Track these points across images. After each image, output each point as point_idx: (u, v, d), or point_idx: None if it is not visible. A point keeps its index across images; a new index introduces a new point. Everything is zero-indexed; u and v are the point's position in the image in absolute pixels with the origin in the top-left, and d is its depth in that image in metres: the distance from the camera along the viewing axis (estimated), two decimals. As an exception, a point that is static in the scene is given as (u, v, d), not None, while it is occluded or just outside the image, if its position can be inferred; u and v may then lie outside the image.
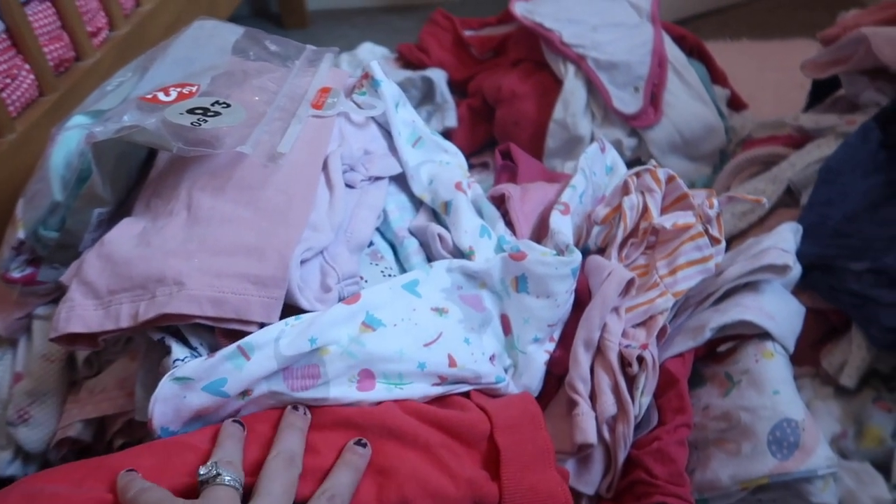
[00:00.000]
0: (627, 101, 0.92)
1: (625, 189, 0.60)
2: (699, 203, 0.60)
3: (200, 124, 0.49)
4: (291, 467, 0.40)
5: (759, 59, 1.42)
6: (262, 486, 0.39)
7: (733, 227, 0.86)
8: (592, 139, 0.95)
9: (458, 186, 0.59)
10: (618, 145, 0.94)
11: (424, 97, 1.11)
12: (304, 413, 0.44)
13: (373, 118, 0.62)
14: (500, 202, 0.62)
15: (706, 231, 0.58)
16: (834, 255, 0.73)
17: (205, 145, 0.49)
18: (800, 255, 0.72)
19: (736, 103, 1.12)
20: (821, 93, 0.94)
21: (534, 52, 1.03)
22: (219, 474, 0.38)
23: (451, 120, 1.07)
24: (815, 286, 0.73)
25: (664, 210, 0.62)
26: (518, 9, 1.04)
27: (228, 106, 0.52)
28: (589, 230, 0.63)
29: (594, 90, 0.95)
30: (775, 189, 0.84)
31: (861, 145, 0.75)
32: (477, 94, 1.09)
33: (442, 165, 0.62)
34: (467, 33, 1.23)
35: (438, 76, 1.09)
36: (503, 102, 1.01)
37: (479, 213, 0.60)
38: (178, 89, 0.52)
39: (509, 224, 0.60)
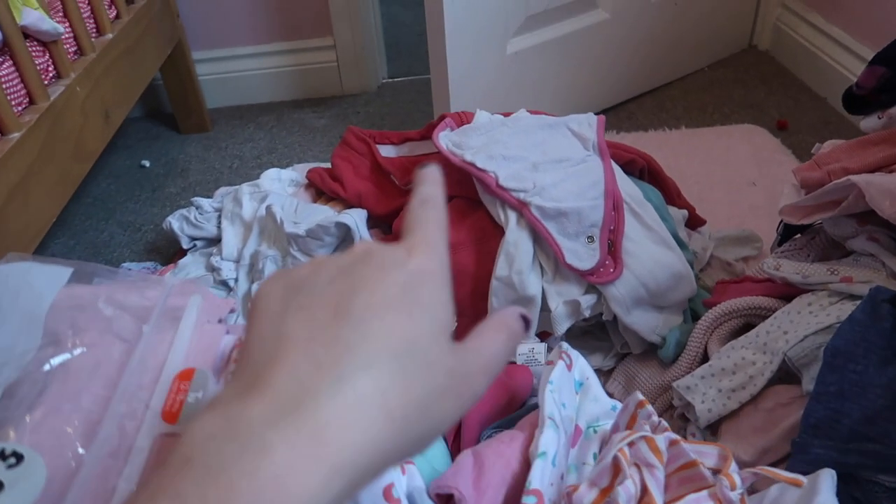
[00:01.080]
0: (582, 255, 0.78)
1: (615, 468, 0.45)
2: (716, 471, 0.45)
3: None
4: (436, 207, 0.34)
5: (703, 149, 1.32)
6: (410, 225, 0.32)
7: (722, 406, 0.72)
8: (544, 297, 0.80)
9: (388, 494, 0.42)
10: (574, 306, 0.79)
11: (342, 243, 0.95)
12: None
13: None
14: (446, 501, 0.45)
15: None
16: (856, 465, 0.60)
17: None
18: (814, 462, 0.59)
19: (694, 222, 1.00)
20: (794, 225, 0.83)
21: (465, 189, 0.88)
22: None
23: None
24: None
25: (668, 481, 0.46)
26: (443, 141, 0.89)
27: (20, 461, 0.33)
28: (568, 510, 0.47)
29: (541, 240, 0.80)
30: (767, 362, 0.70)
31: (871, 324, 0.62)
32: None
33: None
34: (387, 153, 1.07)
35: (356, 218, 0.92)
36: (435, 254, 0.85)
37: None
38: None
39: (463, 530, 0.44)
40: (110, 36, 1.15)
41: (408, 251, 0.30)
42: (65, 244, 1.24)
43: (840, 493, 0.59)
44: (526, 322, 0.33)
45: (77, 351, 0.40)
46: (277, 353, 0.26)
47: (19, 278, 0.45)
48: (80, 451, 0.35)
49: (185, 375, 0.41)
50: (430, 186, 0.35)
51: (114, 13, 1.20)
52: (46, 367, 0.39)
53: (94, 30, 1.13)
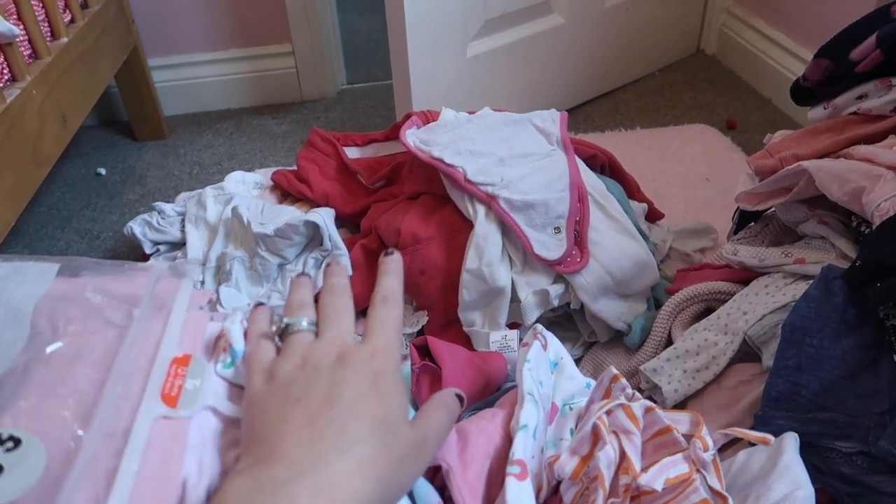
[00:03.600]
0: (549, 245, 0.80)
1: (595, 436, 0.47)
2: (688, 437, 0.47)
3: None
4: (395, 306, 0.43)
5: (658, 148, 1.37)
6: (373, 326, 0.41)
7: (687, 386, 0.75)
8: (514, 288, 0.82)
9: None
10: (543, 295, 0.81)
11: (311, 242, 0.95)
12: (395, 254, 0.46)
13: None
14: (433, 472, 0.46)
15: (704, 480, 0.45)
16: (815, 433, 0.63)
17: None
18: (776, 433, 0.62)
19: (653, 215, 1.04)
20: (748, 213, 0.86)
21: (433, 185, 0.90)
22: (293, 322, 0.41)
23: (345, 268, 0.90)
24: (797, 466, 0.63)
25: (644, 448, 0.48)
26: (411, 139, 0.91)
27: (18, 444, 0.33)
28: (550, 481, 0.48)
29: (510, 232, 0.82)
30: (729, 342, 0.73)
31: (824, 300, 0.66)
32: (372, 233, 0.94)
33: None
34: (352, 155, 1.08)
35: (325, 217, 0.93)
36: (404, 249, 0.87)
37: (410, 496, 0.44)
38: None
39: (448, 502, 0.45)
40: (65, 40, 1.13)
41: (371, 354, 0.39)
42: (20, 253, 1.21)
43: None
44: (461, 400, 0.43)
45: (67, 338, 0.40)
46: (286, 432, 0.34)
47: (6, 276, 0.44)
48: (79, 432, 0.35)
49: (182, 361, 0.41)
50: (392, 279, 0.44)
51: (69, 17, 1.18)
52: (37, 355, 0.39)
53: (49, 34, 1.11)
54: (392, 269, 0.45)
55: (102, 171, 1.44)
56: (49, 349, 0.39)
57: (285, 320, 0.42)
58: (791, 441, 0.53)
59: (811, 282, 0.68)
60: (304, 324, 0.41)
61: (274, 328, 0.42)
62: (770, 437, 0.49)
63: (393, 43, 1.20)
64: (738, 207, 0.86)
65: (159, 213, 1.07)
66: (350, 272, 0.91)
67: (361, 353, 0.39)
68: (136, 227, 1.05)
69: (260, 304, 0.45)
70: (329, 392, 0.36)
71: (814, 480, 0.64)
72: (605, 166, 0.97)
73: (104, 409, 0.36)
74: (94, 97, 1.23)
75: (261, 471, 0.32)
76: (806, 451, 0.63)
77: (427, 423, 0.40)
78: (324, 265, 0.37)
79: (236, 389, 0.43)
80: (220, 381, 0.42)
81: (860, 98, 0.76)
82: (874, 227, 0.64)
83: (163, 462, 0.35)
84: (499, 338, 0.75)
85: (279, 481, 0.32)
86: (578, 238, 0.82)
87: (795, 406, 0.64)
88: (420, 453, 0.38)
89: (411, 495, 0.44)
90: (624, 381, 0.53)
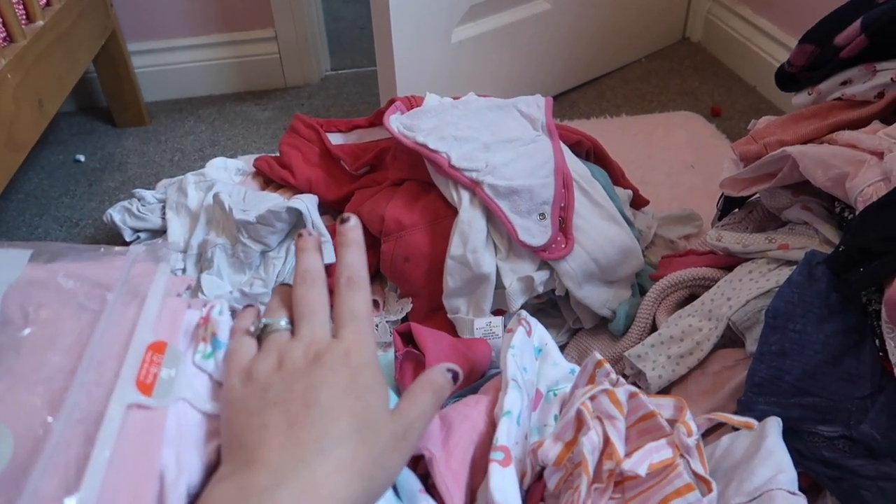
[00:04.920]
0: (534, 232, 0.80)
1: (579, 421, 0.46)
2: (672, 422, 0.47)
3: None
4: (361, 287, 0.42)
5: (644, 135, 1.36)
6: (342, 316, 0.40)
7: (671, 372, 0.75)
8: (498, 275, 0.81)
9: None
10: (528, 282, 0.80)
11: (294, 229, 0.94)
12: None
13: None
14: (416, 461, 0.46)
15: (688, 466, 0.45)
16: (798, 418, 0.63)
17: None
18: (759, 418, 0.62)
19: (638, 202, 1.04)
20: (733, 199, 0.86)
21: (417, 171, 0.89)
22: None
23: (329, 255, 0.90)
24: (779, 451, 0.63)
25: (628, 433, 0.48)
26: (394, 124, 0.90)
27: (-14, 432, 0.32)
28: (534, 467, 0.48)
29: (494, 218, 0.82)
30: (713, 328, 0.73)
31: (808, 285, 0.66)
32: (355, 220, 0.93)
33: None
34: (335, 141, 1.07)
35: (308, 203, 0.92)
36: (389, 236, 0.86)
37: (394, 488, 0.43)
38: None
39: (432, 489, 0.44)
40: (41, 23, 1.10)
41: (345, 350, 0.38)
42: (-3, 241, 1.19)
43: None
44: (454, 375, 0.42)
45: (39, 324, 0.39)
46: (266, 437, 0.34)
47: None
48: (49, 419, 0.34)
49: (158, 348, 0.40)
50: (353, 252, 0.42)
51: (44, 0, 1.16)
52: (7, 342, 0.38)
53: (24, 17, 1.08)
54: (350, 238, 0.43)
55: (81, 157, 1.42)
56: (20, 335, 0.38)
57: (263, 320, 0.41)
58: (774, 425, 0.53)
59: (795, 268, 0.68)
60: (283, 323, 0.41)
61: (253, 328, 0.41)
62: (753, 421, 0.49)
63: (377, 28, 1.18)
64: (722, 194, 0.86)
65: (139, 200, 1.06)
66: (334, 259, 0.90)
67: (336, 349, 0.38)
68: (115, 214, 1.04)
69: (249, 306, 0.45)
70: (306, 394, 0.36)
71: (796, 465, 0.64)
72: (591, 152, 0.97)
73: (75, 394, 0.35)
74: (72, 82, 1.20)
75: (243, 477, 0.33)
76: (788, 436, 0.63)
77: (410, 408, 0.39)
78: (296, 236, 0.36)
79: (215, 384, 0.41)
80: (197, 373, 0.41)
81: (844, 83, 0.76)
82: (857, 213, 0.64)
83: (138, 453, 0.35)
84: (483, 324, 0.75)
85: (262, 487, 0.32)
86: (563, 224, 0.81)
87: (778, 391, 0.64)
88: (402, 443, 0.38)
89: (394, 484, 0.43)
90: (608, 366, 0.53)
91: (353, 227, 0.44)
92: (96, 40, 1.34)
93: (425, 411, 0.40)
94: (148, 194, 1.06)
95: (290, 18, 1.58)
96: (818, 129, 0.72)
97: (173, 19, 1.57)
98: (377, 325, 0.87)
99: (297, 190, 1.02)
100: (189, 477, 0.35)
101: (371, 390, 0.37)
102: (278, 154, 1.08)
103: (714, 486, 0.44)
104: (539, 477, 0.49)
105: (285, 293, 0.43)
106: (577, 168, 0.86)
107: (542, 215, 0.81)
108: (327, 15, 1.73)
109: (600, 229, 0.82)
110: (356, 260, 0.42)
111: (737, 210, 0.87)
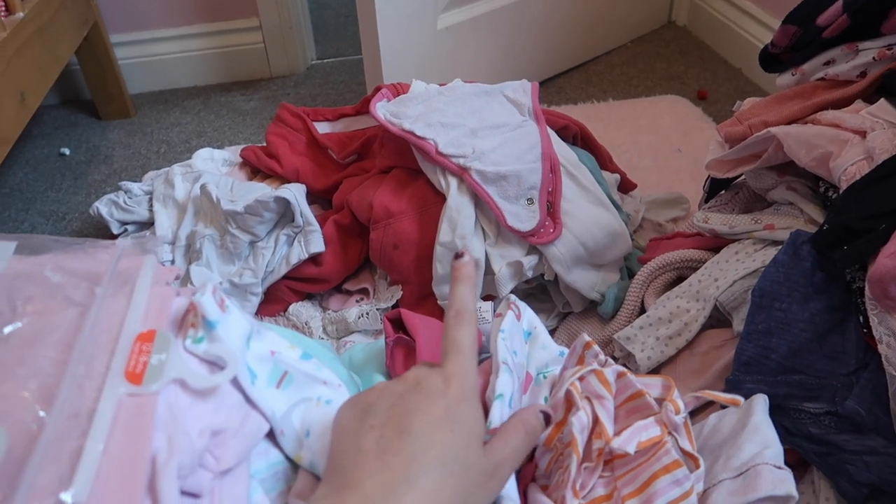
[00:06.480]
0: (522, 217, 0.80)
1: (568, 401, 0.47)
2: (660, 401, 0.47)
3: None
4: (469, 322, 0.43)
5: (630, 120, 1.37)
6: (447, 347, 0.41)
7: (660, 353, 0.76)
8: (487, 260, 0.82)
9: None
10: (517, 267, 0.81)
11: (282, 218, 0.94)
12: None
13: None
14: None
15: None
16: (784, 395, 0.64)
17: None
18: (747, 396, 0.63)
19: (625, 186, 1.04)
20: (719, 181, 0.87)
21: (405, 159, 0.89)
22: None
23: (318, 244, 0.90)
24: (766, 428, 0.64)
25: (616, 412, 0.49)
26: (381, 112, 0.90)
27: (-24, 425, 0.32)
28: (525, 448, 0.48)
29: (482, 204, 0.82)
30: (700, 309, 0.74)
31: (793, 264, 0.66)
32: (344, 208, 0.93)
33: (322, 405, 0.45)
34: (322, 130, 1.07)
35: (295, 192, 0.91)
36: (377, 224, 0.86)
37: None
38: None
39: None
40: (21, 15, 1.09)
41: (446, 381, 0.39)
42: (-18, 237, 1.18)
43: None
44: (547, 417, 0.43)
45: (27, 318, 0.39)
46: (359, 462, 0.35)
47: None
48: (41, 413, 0.34)
49: (146, 337, 0.40)
50: (464, 288, 0.44)
51: (24, -9, 1.14)
52: (-9, 334, 0.38)
53: (4, 9, 1.07)
54: (463, 275, 0.45)
55: (66, 151, 1.41)
56: (7, 330, 0.38)
57: None
58: (760, 402, 0.54)
59: (780, 247, 0.69)
60: None
61: None
62: (740, 398, 0.49)
63: (362, 16, 1.18)
64: (708, 176, 0.86)
65: (126, 192, 1.05)
66: (323, 248, 0.90)
67: (435, 377, 0.39)
68: (102, 207, 1.03)
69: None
70: (401, 421, 0.37)
71: (783, 441, 0.65)
72: (577, 137, 0.97)
73: (67, 389, 0.35)
74: (54, 75, 1.19)
75: (335, 501, 0.34)
76: (775, 413, 0.64)
77: (503, 447, 0.40)
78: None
79: (207, 365, 0.42)
80: (189, 357, 0.41)
81: (827, 64, 0.77)
82: (841, 192, 0.65)
83: (130, 439, 0.35)
84: (473, 310, 0.75)
85: None
86: (551, 209, 0.82)
87: (765, 369, 0.65)
88: (491, 482, 0.38)
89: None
90: (596, 347, 0.53)
91: (466, 262, 0.45)
92: (78, 32, 1.33)
93: (517, 451, 0.41)
94: (135, 186, 1.06)
95: (274, 7, 1.57)
96: (802, 109, 0.72)
97: (156, 10, 1.55)
98: (367, 314, 0.87)
99: (284, 179, 1.01)
100: (181, 458, 0.35)
101: (465, 424, 0.38)
102: (265, 144, 1.07)
103: (702, 462, 0.45)
104: (530, 458, 0.49)
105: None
106: (565, 152, 0.86)
107: (530, 200, 0.81)
108: (312, 3, 1.71)
109: (588, 213, 0.83)
110: (466, 295, 0.44)
111: (723, 192, 0.88)
